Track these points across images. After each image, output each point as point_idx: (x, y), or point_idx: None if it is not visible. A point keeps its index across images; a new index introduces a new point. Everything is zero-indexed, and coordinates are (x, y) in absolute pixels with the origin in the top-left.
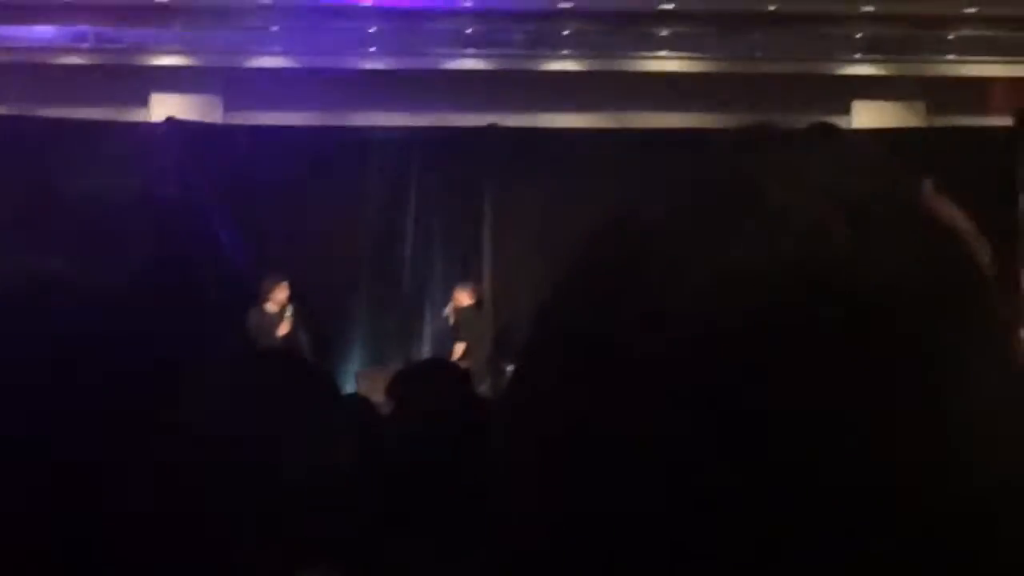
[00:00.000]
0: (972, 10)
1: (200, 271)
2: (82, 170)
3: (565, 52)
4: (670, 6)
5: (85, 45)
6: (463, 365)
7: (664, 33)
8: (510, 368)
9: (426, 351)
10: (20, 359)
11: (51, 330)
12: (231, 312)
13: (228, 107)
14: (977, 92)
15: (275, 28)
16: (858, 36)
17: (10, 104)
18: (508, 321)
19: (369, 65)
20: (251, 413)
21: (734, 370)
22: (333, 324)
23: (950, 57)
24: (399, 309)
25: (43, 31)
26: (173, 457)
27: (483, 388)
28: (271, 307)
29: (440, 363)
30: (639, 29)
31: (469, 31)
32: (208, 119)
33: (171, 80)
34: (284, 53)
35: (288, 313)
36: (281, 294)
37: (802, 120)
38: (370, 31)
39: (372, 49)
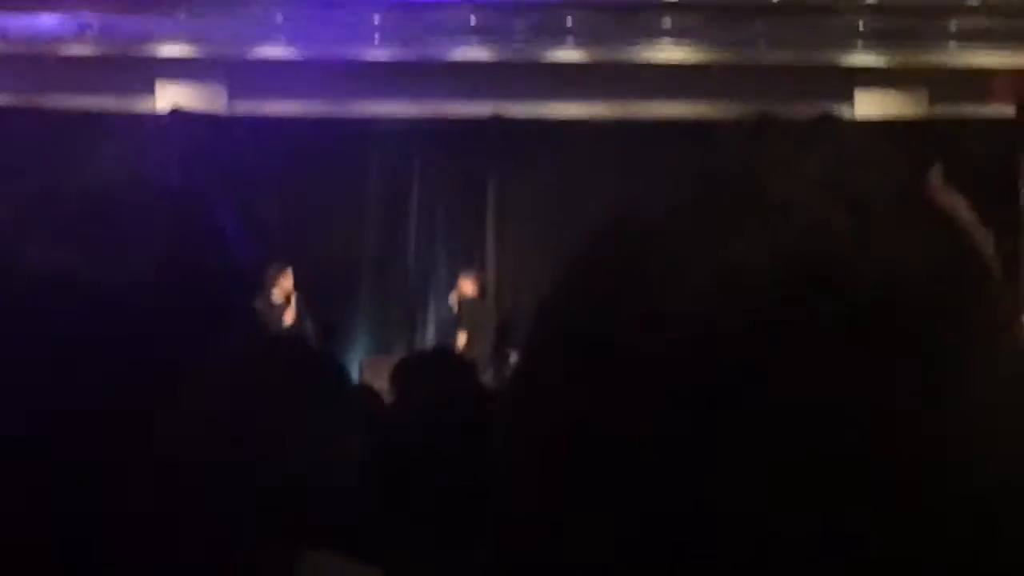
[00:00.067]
0: (974, 1)
1: (205, 260)
2: (87, 160)
3: (569, 42)
4: None
5: (89, 35)
6: (466, 354)
7: (667, 23)
8: (513, 356)
9: (430, 340)
10: (25, 351)
11: (53, 323)
12: (237, 301)
13: (233, 96)
14: (979, 82)
15: (280, 18)
16: (861, 26)
17: (14, 94)
18: (511, 310)
19: (373, 55)
20: (259, 401)
21: (737, 364)
22: (337, 313)
23: (953, 47)
24: (403, 298)
25: (47, 21)
26: (179, 447)
27: (486, 377)
28: (276, 296)
29: (444, 352)
30: (642, 19)
31: (473, 21)
32: (213, 108)
33: (176, 69)
34: (289, 43)
35: (293, 302)
36: (286, 283)
37: (805, 109)
38: (374, 21)
39: (376, 39)
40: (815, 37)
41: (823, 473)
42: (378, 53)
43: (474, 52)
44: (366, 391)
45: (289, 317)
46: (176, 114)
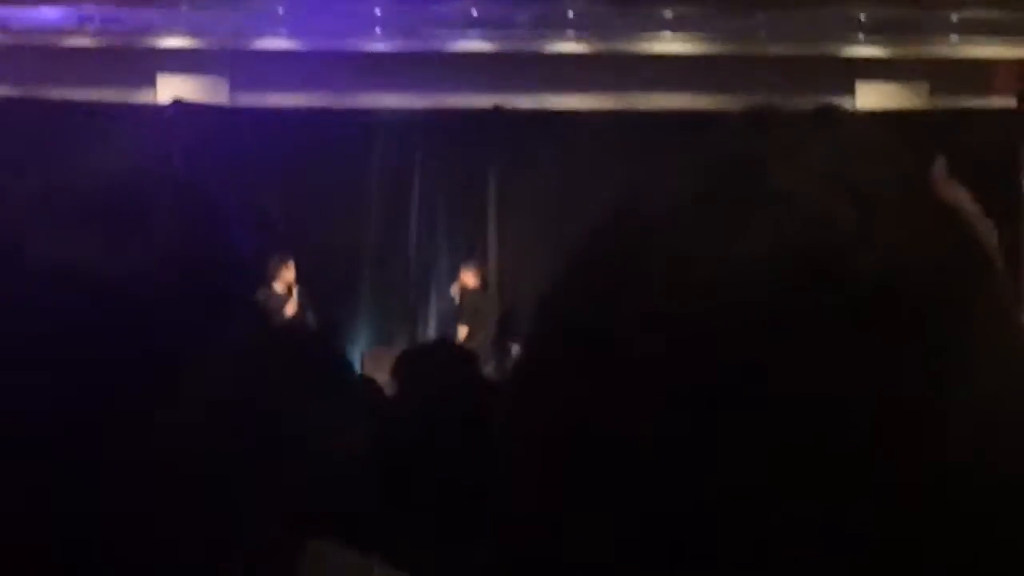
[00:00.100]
0: None
1: (207, 252)
2: (88, 152)
3: (570, 34)
4: None
5: (91, 27)
6: (468, 346)
7: (668, 14)
8: (515, 348)
9: (432, 332)
10: (23, 343)
11: (54, 314)
12: (238, 293)
13: (234, 88)
14: (980, 73)
15: (281, 10)
16: (862, 17)
17: (16, 86)
18: (513, 303)
19: (375, 47)
20: (261, 392)
21: (739, 356)
22: (339, 305)
23: (953, 38)
24: (404, 290)
25: (49, 13)
26: (180, 438)
27: (488, 369)
28: (279, 287)
29: (445, 344)
30: (643, 11)
31: (474, 13)
32: (214, 100)
33: (177, 61)
34: (290, 35)
35: (295, 293)
36: (288, 274)
37: (806, 101)
38: (376, 13)
39: (378, 31)
40: (816, 28)
41: (826, 468)
42: (379, 45)
43: (475, 44)
44: (368, 383)
45: (291, 309)
46: (177, 106)
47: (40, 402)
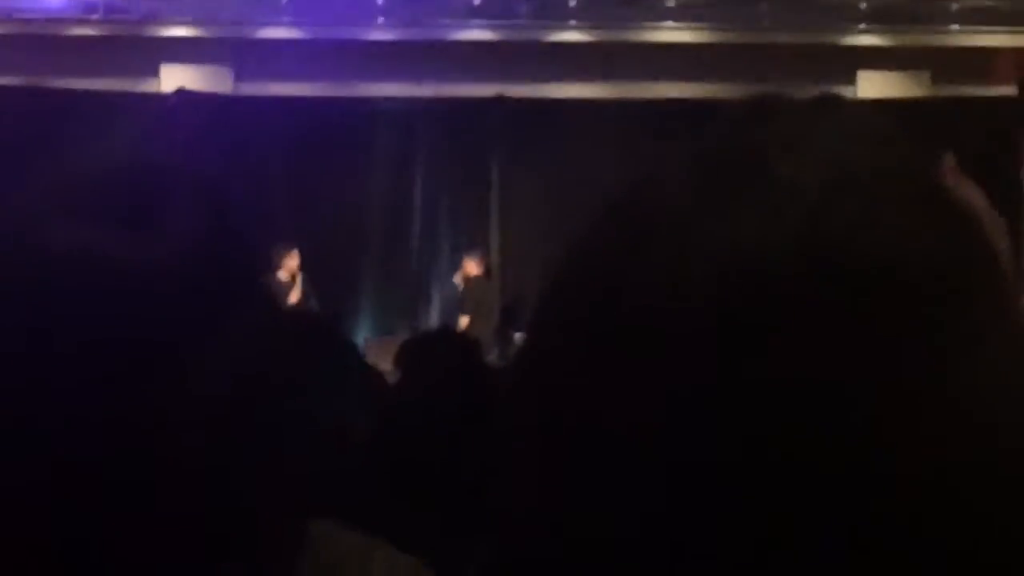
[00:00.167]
0: None
1: (211, 241)
2: (92, 141)
3: (572, 23)
4: None
5: (95, 16)
6: (471, 334)
7: (670, 3)
8: (518, 336)
9: (434, 320)
10: (29, 332)
11: (58, 302)
12: (244, 281)
13: (238, 78)
14: (981, 61)
15: None
16: (863, 6)
17: (20, 75)
18: (515, 292)
19: (378, 36)
20: (264, 380)
21: (741, 344)
22: (342, 293)
23: (954, 27)
24: (407, 278)
25: (53, 1)
26: (184, 427)
27: (490, 357)
28: (283, 275)
29: (447, 332)
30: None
31: (477, 2)
32: (219, 90)
33: (181, 51)
34: (294, 24)
35: (299, 281)
36: (292, 262)
37: (808, 90)
38: (378, 2)
39: (380, 20)
40: (818, 18)
41: (828, 459)
42: (382, 34)
43: (478, 33)
44: (370, 371)
45: (295, 297)
46: (181, 95)
47: (41, 391)
